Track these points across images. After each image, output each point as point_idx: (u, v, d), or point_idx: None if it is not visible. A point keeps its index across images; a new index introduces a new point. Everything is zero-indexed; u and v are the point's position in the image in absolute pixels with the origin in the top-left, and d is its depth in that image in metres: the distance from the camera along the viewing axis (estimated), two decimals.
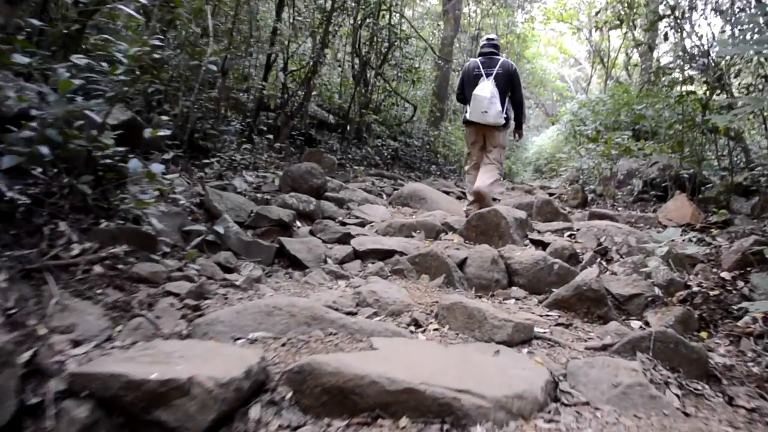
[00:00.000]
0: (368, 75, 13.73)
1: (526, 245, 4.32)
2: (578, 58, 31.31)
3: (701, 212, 6.28)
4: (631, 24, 13.71)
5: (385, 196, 6.86)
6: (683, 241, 3.90)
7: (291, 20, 9.51)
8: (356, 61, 13.27)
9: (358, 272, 3.66)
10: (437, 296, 3.16)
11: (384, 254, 3.89)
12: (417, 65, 15.02)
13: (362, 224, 4.92)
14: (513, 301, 3.45)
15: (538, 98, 27.71)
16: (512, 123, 6.22)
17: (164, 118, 4.43)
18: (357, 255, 3.94)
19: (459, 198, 8.73)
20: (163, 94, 5.48)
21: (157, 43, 3.71)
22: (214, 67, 5.49)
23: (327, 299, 2.84)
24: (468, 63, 6.37)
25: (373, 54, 13.78)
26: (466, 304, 2.70)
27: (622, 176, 10.20)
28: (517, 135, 6.52)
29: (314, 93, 11.46)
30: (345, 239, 4.24)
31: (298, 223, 4.56)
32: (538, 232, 4.75)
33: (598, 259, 4.12)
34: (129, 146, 5.00)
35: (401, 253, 3.84)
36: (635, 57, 21.88)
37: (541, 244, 4.28)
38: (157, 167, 3.63)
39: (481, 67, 5.96)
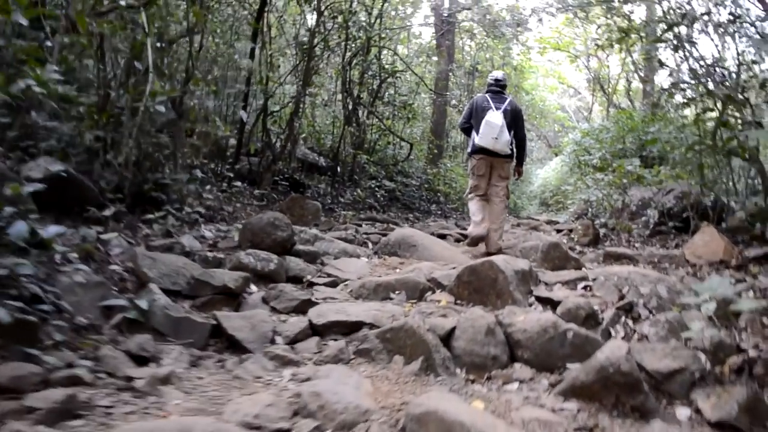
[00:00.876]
0: (360, 114, 13.09)
1: (530, 305, 3.45)
2: (577, 87, 30.78)
3: (734, 246, 5.42)
4: (639, 36, 13.10)
5: (371, 245, 6.02)
6: (732, 290, 3.04)
7: (268, 58, 8.85)
8: (348, 100, 12.66)
9: (313, 355, 2.80)
10: (411, 391, 2.32)
11: (349, 327, 3.02)
12: (411, 102, 14.38)
13: (334, 283, 4.07)
14: (516, 385, 2.59)
15: (539, 130, 27.06)
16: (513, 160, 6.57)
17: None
18: (315, 330, 3.07)
19: (458, 241, 7.90)
20: (103, 141, 4.73)
21: (57, 77, 2.97)
22: (162, 109, 4.76)
23: (248, 410, 1.99)
24: (476, 97, 6.71)
25: (365, 91, 13.17)
26: (443, 416, 1.84)
27: (635, 207, 9.34)
28: (516, 174, 6.87)
29: (302, 135, 10.77)
30: (304, 308, 3.38)
31: (253, 288, 3.72)
32: (546, 285, 3.87)
33: (623, 319, 3.26)
34: (62, 203, 4.26)
35: (372, 326, 2.99)
36: (635, 83, 21.23)
37: (550, 303, 3.41)
38: (52, 230, 2.85)
39: (490, 101, 6.24)
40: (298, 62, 9.39)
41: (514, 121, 6.19)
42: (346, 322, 3.05)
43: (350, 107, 12.74)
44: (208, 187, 6.96)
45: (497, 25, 20.05)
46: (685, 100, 8.22)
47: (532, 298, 3.52)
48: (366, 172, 12.00)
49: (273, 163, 8.74)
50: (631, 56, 19.45)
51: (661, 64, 7.48)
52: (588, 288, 3.72)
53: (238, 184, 7.62)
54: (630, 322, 3.24)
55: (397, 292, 3.63)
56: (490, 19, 20.58)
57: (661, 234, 7.43)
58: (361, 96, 13.05)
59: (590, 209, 10.55)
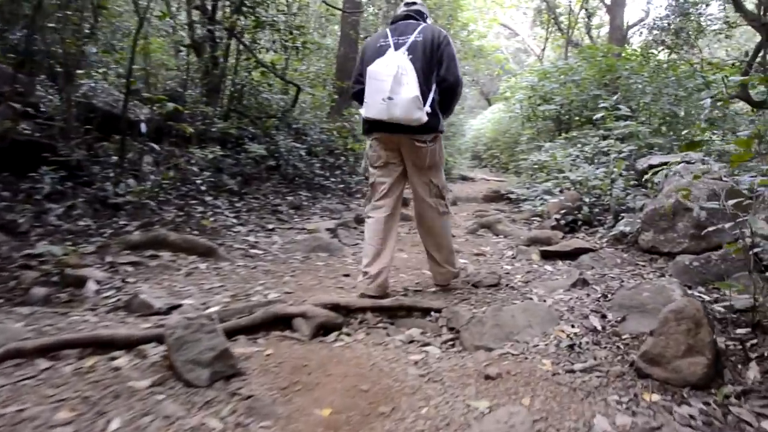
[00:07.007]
0: (216, 39, 7.87)
1: None
2: (515, 28, 25.99)
3: None
4: None
5: None
6: None
7: None
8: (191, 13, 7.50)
9: None
10: None
11: None
12: (303, 27, 9.25)
13: None
14: None
15: (474, 74, 22.17)
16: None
17: None
18: None
19: (322, 329, 3.03)
20: None
21: None
22: None
23: None
24: (371, 36, 3.76)
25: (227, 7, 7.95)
26: None
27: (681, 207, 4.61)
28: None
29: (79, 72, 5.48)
30: None
31: None
32: None
33: None
34: None
35: None
36: (598, 17, 16.55)
37: None
38: None
39: (389, 36, 3.42)
40: None
41: (431, 57, 3.26)
42: None
43: (196, 28, 7.58)
44: None
45: None
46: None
47: None
48: (209, 131, 6.85)
49: None
50: None
51: None
52: None
53: None
54: None
55: None
56: None
57: None
58: (217, 12, 7.83)
59: (585, 196, 5.90)
